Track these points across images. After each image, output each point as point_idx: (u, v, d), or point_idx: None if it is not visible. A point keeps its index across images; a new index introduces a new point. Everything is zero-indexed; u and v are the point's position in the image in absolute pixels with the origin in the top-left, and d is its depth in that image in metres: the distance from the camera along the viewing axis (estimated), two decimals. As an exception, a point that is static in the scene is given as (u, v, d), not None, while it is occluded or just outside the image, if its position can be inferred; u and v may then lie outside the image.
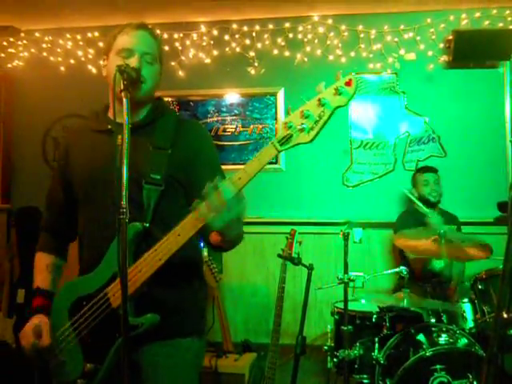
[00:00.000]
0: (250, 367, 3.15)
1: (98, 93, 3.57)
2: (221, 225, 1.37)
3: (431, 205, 3.86)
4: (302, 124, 1.37)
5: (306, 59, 4.54)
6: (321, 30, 4.51)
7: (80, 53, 4.79)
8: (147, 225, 1.58)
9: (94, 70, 4.77)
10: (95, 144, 1.71)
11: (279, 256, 2.91)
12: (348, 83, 1.38)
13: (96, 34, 4.72)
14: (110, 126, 1.71)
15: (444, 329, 2.87)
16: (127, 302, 1.41)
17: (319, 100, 1.37)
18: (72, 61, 4.81)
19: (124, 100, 1.45)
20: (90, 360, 1.57)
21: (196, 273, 1.80)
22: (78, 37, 4.78)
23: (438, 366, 2.64)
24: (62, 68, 4.83)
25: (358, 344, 2.99)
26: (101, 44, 4.69)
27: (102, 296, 1.56)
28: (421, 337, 2.84)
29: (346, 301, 2.85)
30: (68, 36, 4.79)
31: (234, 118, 4.72)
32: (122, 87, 1.48)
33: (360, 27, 4.47)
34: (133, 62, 1.60)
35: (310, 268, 2.95)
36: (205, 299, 1.86)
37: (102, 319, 1.55)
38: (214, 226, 1.38)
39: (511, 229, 1.27)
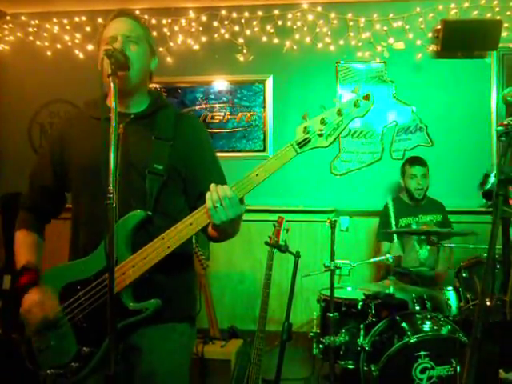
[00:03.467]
0: (237, 353, 3.17)
1: (85, 78, 3.56)
2: (222, 220, 1.46)
3: (415, 199, 3.89)
4: (321, 130, 1.50)
5: (295, 47, 4.54)
6: (310, 17, 4.50)
7: (67, 37, 4.73)
8: (150, 213, 1.61)
9: (80, 55, 4.72)
10: (95, 131, 1.67)
11: (266, 243, 2.92)
12: (366, 97, 1.52)
13: (83, 18, 4.66)
14: (109, 115, 1.70)
15: (428, 316, 2.92)
16: (128, 288, 1.51)
17: (339, 110, 1.51)
18: (59, 45, 4.75)
19: (112, 85, 1.46)
20: (84, 344, 1.58)
21: (191, 261, 1.85)
22: (65, 21, 4.72)
23: (422, 353, 2.68)
24: (49, 53, 4.77)
25: (343, 331, 3.03)
26: (88, 29, 4.65)
27: (101, 281, 1.57)
28: (405, 324, 2.88)
29: (332, 288, 2.88)
30: (55, 20, 4.73)
31: (223, 105, 4.70)
32: (109, 72, 1.48)
33: (349, 15, 4.46)
34: (116, 45, 1.60)
35: (297, 256, 2.97)
36: (196, 288, 1.90)
37: (100, 304, 1.56)
38: (215, 220, 1.46)
39: (495, 217, 1.29)
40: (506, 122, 1.46)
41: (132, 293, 1.57)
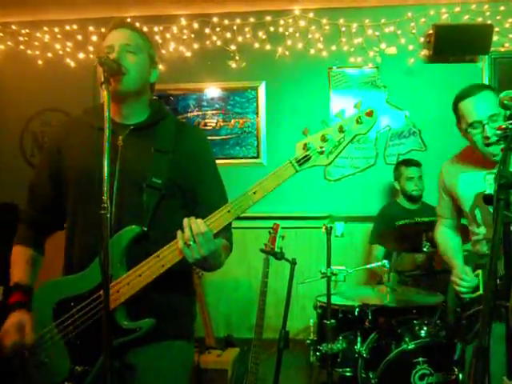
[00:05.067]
0: (233, 363, 3.14)
1: (77, 87, 3.54)
2: (195, 258, 1.44)
3: (414, 199, 3.89)
4: (322, 147, 1.45)
5: (287, 53, 4.53)
6: (302, 23, 4.50)
7: (58, 46, 4.70)
8: (145, 228, 1.57)
9: (72, 64, 4.68)
10: (93, 141, 1.64)
11: (262, 251, 2.90)
12: (369, 114, 1.45)
13: (74, 26, 4.63)
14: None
15: (425, 321, 2.90)
16: (121, 306, 1.47)
17: (341, 126, 1.44)
18: (50, 54, 4.72)
19: (104, 93, 1.44)
20: (77, 362, 1.54)
21: (188, 279, 1.81)
22: (56, 29, 4.68)
23: (420, 359, 2.67)
24: (40, 61, 4.73)
25: (340, 338, 3.01)
26: (79, 37, 4.63)
27: (96, 298, 1.53)
28: (402, 330, 2.87)
29: (328, 295, 2.86)
30: (45, 29, 4.69)
31: (215, 112, 4.69)
32: (102, 80, 1.46)
33: (341, 21, 4.46)
34: (113, 55, 1.59)
35: (293, 263, 2.95)
36: (194, 303, 1.86)
37: (94, 322, 1.52)
38: (189, 258, 1.45)
39: (496, 223, 1.27)
40: (504, 126, 1.45)
41: (126, 311, 1.53)
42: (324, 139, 1.44)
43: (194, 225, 1.42)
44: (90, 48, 4.61)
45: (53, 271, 1.72)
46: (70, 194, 1.70)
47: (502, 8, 4.36)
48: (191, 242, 1.41)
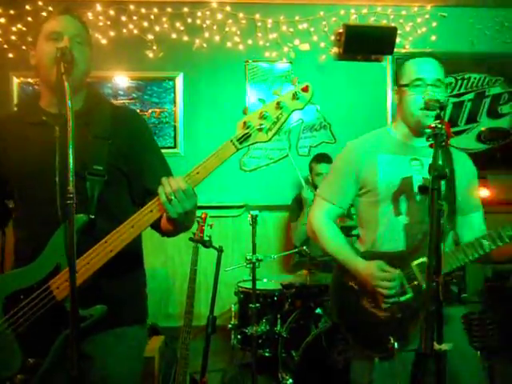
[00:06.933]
0: (160, 350, 3.17)
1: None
2: (179, 213, 1.43)
3: None
4: (261, 124, 1.47)
5: (204, 45, 4.60)
6: (219, 16, 4.58)
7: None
8: (93, 216, 1.55)
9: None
10: (30, 137, 1.62)
11: (191, 239, 2.94)
12: (304, 89, 1.49)
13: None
14: (44, 118, 1.64)
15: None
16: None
17: (278, 103, 1.47)
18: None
19: (65, 83, 1.38)
20: (29, 355, 1.52)
21: (139, 262, 1.81)
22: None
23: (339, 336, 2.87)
24: None
25: (264, 320, 3.21)
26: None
27: (45, 289, 1.51)
28: (319, 310, 3.07)
29: (254, 280, 2.95)
30: None
31: (132, 101, 4.66)
32: (62, 70, 1.41)
33: (257, 16, 4.60)
34: (63, 43, 1.53)
35: (220, 250, 3.04)
36: (145, 288, 1.84)
37: (45, 312, 1.51)
38: (172, 214, 1.43)
39: (432, 209, 1.41)
40: (433, 125, 1.56)
41: (79, 299, 1.50)
42: (262, 116, 1.46)
43: (173, 181, 1.43)
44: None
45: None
46: (16, 191, 1.67)
47: (403, 12, 4.71)
48: (172, 197, 1.41)
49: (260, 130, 1.47)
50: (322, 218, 2.10)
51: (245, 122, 1.48)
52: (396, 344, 1.81)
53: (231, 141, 1.48)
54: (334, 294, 2.11)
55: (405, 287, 1.85)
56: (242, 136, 1.47)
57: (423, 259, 1.82)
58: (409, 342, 1.83)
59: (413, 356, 1.86)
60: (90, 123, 1.66)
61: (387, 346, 1.80)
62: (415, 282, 1.84)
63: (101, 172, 1.60)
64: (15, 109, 1.79)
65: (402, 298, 1.84)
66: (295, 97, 1.48)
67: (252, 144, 1.49)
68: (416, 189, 1.93)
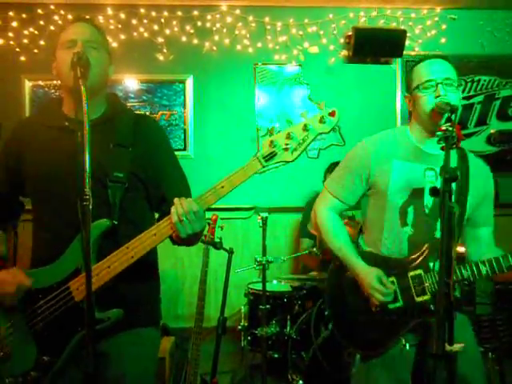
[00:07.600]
0: (170, 351, 3.19)
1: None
2: (188, 234, 1.49)
3: None
4: (287, 144, 1.52)
5: (214, 48, 4.62)
6: (229, 19, 4.61)
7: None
8: (115, 222, 1.59)
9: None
10: (53, 141, 1.66)
11: (202, 241, 2.96)
12: (332, 114, 1.54)
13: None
14: (66, 123, 1.67)
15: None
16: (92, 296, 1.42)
17: (305, 125, 1.53)
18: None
19: (82, 88, 1.41)
20: (45, 353, 1.56)
21: (154, 269, 1.85)
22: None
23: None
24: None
25: (274, 322, 3.22)
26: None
27: (65, 289, 1.55)
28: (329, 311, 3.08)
29: (264, 281, 2.97)
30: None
31: (142, 104, 4.69)
32: (78, 75, 1.44)
33: (266, 19, 4.62)
34: (77, 48, 1.57)
35: (231, 252, 3.05)
36: (160, 292, 1.89)
37: (62, 312, 1.55)
38: (182, 234, 1.50)
39: (444, 211, 1.41)
40: (444, 128, 1.55)
41: (95, 301, 1.51)
42: (289, 137, 1.52)
43: (185, 203, 1.48)
44: (10, 34, 4.46)
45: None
46: (34, 193, 1.71)
47: (413, 15, 4.72)
48: (183, 218, 1.47)
49: (286, 149, 1.52)
50: (327, 213, 2.10)
51: (271, 141, 1.52)
52: (407, 345, 1.84)
53: (257, 158, 1.52)
54: (329, 284, 2.15)
55: (397, 296, 1.87)
56: (269, 154, 1.52)
57: (420, 271, 1.87)
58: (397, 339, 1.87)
59: (413, 354, 1.91)
60: (112, 131, 1.70)
61: (373, 343, 1.91)
62: (409, 293, 1.87)
63: (122, 179, 1.64)
64: (36, 113, 1.81)
65: (391, 306, 1.87)
66: (322, 120, 1.53)
67: (277, 163, 1.54)
68: (426, 201, 1.92)
